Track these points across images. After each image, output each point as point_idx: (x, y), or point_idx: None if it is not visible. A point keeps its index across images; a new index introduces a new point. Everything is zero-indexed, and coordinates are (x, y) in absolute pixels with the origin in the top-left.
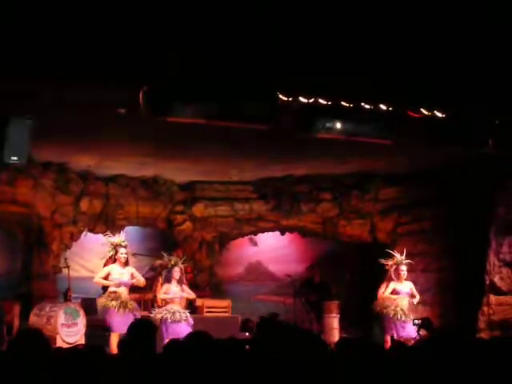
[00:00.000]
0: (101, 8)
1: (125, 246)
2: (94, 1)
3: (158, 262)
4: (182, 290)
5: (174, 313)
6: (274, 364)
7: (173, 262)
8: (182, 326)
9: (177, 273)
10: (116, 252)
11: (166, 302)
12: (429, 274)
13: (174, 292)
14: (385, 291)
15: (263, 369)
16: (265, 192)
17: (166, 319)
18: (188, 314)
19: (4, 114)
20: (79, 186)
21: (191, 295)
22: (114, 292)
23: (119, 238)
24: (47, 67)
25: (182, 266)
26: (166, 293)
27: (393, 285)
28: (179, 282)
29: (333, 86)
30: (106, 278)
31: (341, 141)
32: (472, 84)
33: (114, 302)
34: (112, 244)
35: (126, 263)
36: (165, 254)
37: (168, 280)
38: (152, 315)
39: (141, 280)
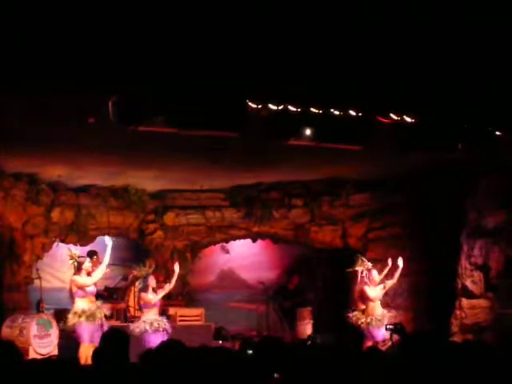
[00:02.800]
0: (71, 15)
1: (90, 256)
2: (65, 9)
3: (131, 274)
4: (159, 299)
5: (151, 323)
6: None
7: (144, 273)
8: (162, 336)
9: (152, 281)
10: (79, 264)
11: (141, 312)
12: (401, 279)
13: (152, 301)
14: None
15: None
16: (236, 200)
17: (146, 331)
18: (166, 322)
19: None
20: (50, 197)
21: (162, 286)
22: (81, 309)
23: (77, 250)
24: (16, 77)
25: (155, 274)
26: (145, 302)
27: (366, 289)
28: (154, 290)
29: (302, 92)
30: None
31: (311, 147)
32: (441, 88)
33: (81, 318)
34: (71, 256)
35: (89, 274)
36: (136, 266)
37: (145, 289)
38: (131, 329)
39: (99, 271)
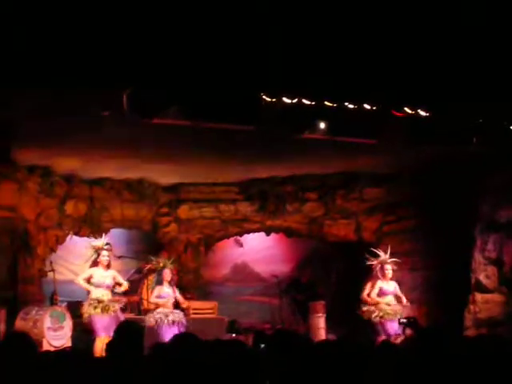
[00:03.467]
0: (85, 11)
1: (107, 249)
2: (77, 5)
3: (147, 266)
4: (174, 292)
5: (167, 315)
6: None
7: (161, 265)
8: (176, 329)
9: (167, 274)
10: (98, 255)
11: (156, 305)
12: (415, 273)
13: (167, 293)
14: (371, 291)
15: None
16: (250, 193)
17: (161, 323)
18: (181, 316)
19: None
20: (64, 189)
21: (184, 303)
22: (96, 299)
23: (101, 241)
24: (31, 70)
25: (171, 266)
26: (158, 295)
27: (379, 284)
28: (171, 283)
29: (316, 86)
30: (88, 279)
31: (326, 141)
32: (456, 83)
33: (97, 309)
34: (94, 247)
35: (108, 266)
36: (152, 258)
37: (159, 282)
38: (146, 321)
39: (124, 284)
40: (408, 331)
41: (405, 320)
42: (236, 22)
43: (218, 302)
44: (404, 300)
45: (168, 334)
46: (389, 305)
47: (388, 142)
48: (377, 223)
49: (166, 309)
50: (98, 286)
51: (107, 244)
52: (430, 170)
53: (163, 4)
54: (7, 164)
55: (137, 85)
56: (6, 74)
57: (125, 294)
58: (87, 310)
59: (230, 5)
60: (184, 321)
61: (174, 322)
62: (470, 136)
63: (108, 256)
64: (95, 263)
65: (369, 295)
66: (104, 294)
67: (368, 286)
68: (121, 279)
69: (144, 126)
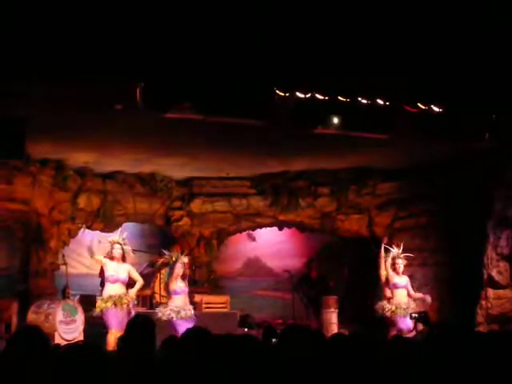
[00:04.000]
0: (97, 5)
1: (119, 243)
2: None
3: (160, 260)
4: (187, 285)
5: (178, 311)
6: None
7: (174, 258)
8: (189, 323)
9: (179, 268)
10: (112, 249)
11: (167, 299)
12: (426, 269)
13: (179, 288)
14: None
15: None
16: (262, 187)
17: (172, 318)
18: (192, 311)
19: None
20: (77, 183)
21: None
22: (109, 295)
23: (117, 235)
24: (44, 65)
25: (185, 260)
26: (173, 290)
27: (393, 277)
28: (183, 277)
29: (329, 80)
30: (101, 269)
31: (338, 135)
32: (469, 78)
33: (109, 303)
34: (110, 242)
35: (124, 260)
36: (165, 252)
37: (171, 276)
38: (158, 316)
39: (139, 280)
40: (420, 326)
41: (416, 315)
42: (250, 16)
43: (230, 296)
44: (414, 295)
45: (182, 327)
46: (401, 301)
47: (401, 137)
48: (389, 219)
49: (179, 303)
50: (111, 281)
51: (123, 238)
52: (442, 165)
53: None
54: (21, 157)
55: (150, 79)
56: (19, 67)
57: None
58: (100, 304)
59: (245, 1)
60: (194, 317)
61: (185, 317)
62: (483, 132)
63: (121, 249)
64: (110, 257)
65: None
66: (117, 289)
67: (381, 266)
68: (136, 275)
69: (157, 120)
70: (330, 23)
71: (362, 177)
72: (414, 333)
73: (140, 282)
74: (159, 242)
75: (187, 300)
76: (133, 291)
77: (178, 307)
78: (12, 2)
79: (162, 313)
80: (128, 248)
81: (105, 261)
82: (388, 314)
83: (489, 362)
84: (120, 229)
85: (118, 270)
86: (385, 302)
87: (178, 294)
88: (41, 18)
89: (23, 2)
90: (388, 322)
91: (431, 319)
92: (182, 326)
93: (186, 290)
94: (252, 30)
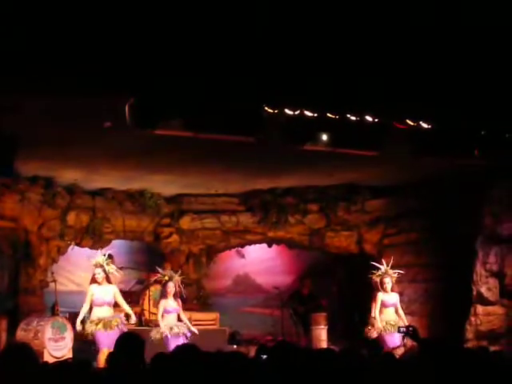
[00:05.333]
0: (87, 20)
1: (101, 265)
2: (81, 13)
3: (153, 277)
4: (179, 305)
5: (171, 328)
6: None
7: (167, 278)
8: (181, 340)
9: (171, 288)
10: (93, 274)
11: (156, 316)
12: (416, 285)
13: (172, 308)
14: (375, 309)
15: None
16: (251, 204)
17: (166, 336)
18: (185, 327)
19: None
20: (66, 200)
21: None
22: (97, 318)
23: (101, 256)
24: (32, 80)
25: (178, 278)
26: (165, 311)
27: (381, 296)
28: (175, 296)
29: (318, 97)
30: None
31: (327, 152)
32: (457, 95)
33: (99, 326)
34: (94, 264)
35: (108, 281)
36: (159, 269)
37: (164, 295)
38: (151, 334)
39: (132, 317)
40: (408, 341)
41: (404, 329)
42: (238, 34)
43: (219, 313)
44: (400, 312)
45: (173, 345)
46: (390, 319)
47: (390, 154)
48: (378, 235)
49: (171, 321)
50: (98, 304)
51: (108, 257)
52: (431, 182)
53: (167, 15)
54: (10, 175)
55: (138, 96)
56: (8, 83)
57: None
58: (89, 327)
59: (232, 16)
60: (187, 333)
61: (178, 334)
62: (471, 148)
63: (103, 271)
64: (93, 280)
65: (374, 317)
66: (106, 311)
67: (373, 306)
68: (120, 299)
69: (146, 138)
70: (318, 40)
71: (350, 193)
72: (402, 349)
73: (134, 318)
74: (147, 258)
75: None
76: (127, 308)
77: (171, 324)
78: (4, 16)
79: (156, 331)
80: (112, 268)
81: (90, 288)
82: (375, 335)
83: (477, 379)
84: (100, 250)
85: (104, 293)
86: (369, 328)
87: (169, 312)
88: (30, 34)
89: (15, 16)
90: (378, 340)
91: (418, 333)
92: (175, 344)
93: (178, 308)
94: (241, 47)
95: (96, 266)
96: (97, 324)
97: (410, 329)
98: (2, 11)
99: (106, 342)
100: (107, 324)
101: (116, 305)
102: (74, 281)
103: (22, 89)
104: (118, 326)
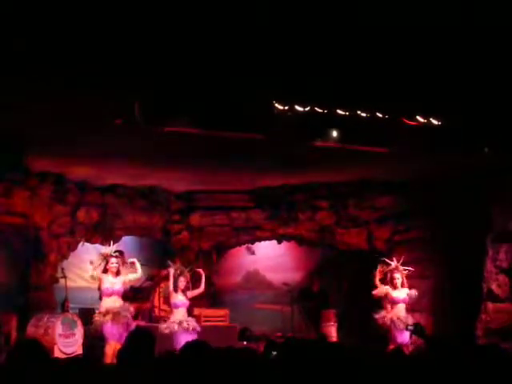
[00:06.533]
0: (97, 20)
1: (115, 256)
2: (90, 14)
3: (164, 272)
4: (187, 299)
5: (180, 323)
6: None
7: (178, 272)
8: (190, 336)
9: (182, 282)
10: (107, 262)
11: (167, 312)
12: (426, 281)
13: (180, 302)
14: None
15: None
16: (261, 201)
17: (175, 331)
18: (194, 323)
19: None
20: (76, 197)
21: (196, 292)
22: (106, 308)
23: (110, 248)
24: (45, 78)
25: (187, 274)
26: (173, 303)
27: (391, 291)
28: (184, 291)
29: (329, 94)
30: (98, 285)
31: (337, 149)
32: (468, 91)
33: (107, 317)
34: (103, 255)
35: (118, 273)
36: (171, 263)
37: (175, 290)
38: (160, 329)
39: (134, 275)
40: (414, 338)
41: (411, 326)
42: (248, 30)
43: (229, 309)
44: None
45: (182, 341)
46: (399, 314)
47: (400, 150)
48: (388, 232)
49: (180, 316)
50: (107, 294)
51: (116, 251)
52: (441, 179)
53: (176, 15)
54: (20, 171)
55: (149, 93)
56: (19, 81)
57: (137, 300)
58: (98, 317)
59: (243, 14)
60: (197, 328)
61: (187, 329)
62: (482, 145)
63: (117, 263)
64: (105, 270)
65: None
66: (114, 301)
67: (380, 293)
68: (130, 275)
69: (156, 135)
70: (330, 37)
71: (360, 190)
72: (411, 346)
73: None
74: (158, 255)
75: (187, 313)
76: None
77: (180, 320)
78: (12, 18)
79: (165, 326)
80: (122, 261)
81: (101, 275)
82: (388, 323)
83: (488, 376)
84: (113, 243)
85: (114, 283)
86: (384, 312)
87: (178, 307)
88: (39, 33)
89: (23, 17)
90: (387, 336)
91: (426, 331)
92: (184, 339)
93: (187, 303)
94: (251, 44)
95: (107, 256)
96: (104, 315)
97: (418, 327)
98: (8, 11)
99: (113, 336)
100: (115, 316)
101: (124, 296)
102: (84, 277)
103: (33, 88)
104: (126, 319)
